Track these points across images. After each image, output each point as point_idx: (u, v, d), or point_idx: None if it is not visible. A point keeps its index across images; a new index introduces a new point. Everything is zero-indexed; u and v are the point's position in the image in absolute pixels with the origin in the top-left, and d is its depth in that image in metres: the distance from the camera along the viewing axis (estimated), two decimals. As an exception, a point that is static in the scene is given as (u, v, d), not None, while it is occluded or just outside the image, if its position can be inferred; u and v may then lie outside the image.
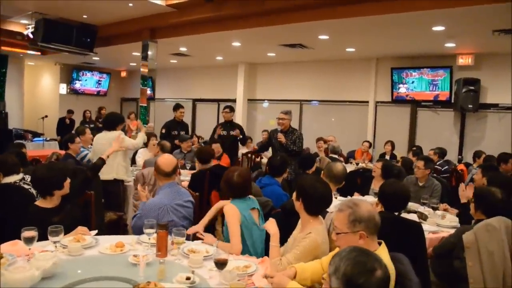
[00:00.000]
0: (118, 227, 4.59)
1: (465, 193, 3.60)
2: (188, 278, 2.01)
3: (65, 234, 2.52)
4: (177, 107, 7.34)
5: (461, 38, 6.90)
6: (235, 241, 2.58)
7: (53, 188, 2.73)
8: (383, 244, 1.91)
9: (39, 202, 2.77)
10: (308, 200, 2.40)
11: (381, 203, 2.90)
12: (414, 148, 7.57)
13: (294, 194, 2.49)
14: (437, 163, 6.69)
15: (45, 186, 2.74)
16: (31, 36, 8.65)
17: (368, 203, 1.97)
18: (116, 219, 4.58)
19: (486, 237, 2.63)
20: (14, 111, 12.35)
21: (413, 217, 3.36)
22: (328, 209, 2.67)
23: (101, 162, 3.64)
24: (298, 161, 5.10)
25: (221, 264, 2.04)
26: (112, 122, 4.81)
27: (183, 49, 9.67)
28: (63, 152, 5.25)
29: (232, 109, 7.22)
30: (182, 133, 7.17)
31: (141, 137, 5.03)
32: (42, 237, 2.30)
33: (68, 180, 2.81)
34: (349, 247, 1.52)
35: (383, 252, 1.87)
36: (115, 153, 4.23)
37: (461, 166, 6.68)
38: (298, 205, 2.44)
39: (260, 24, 6.80)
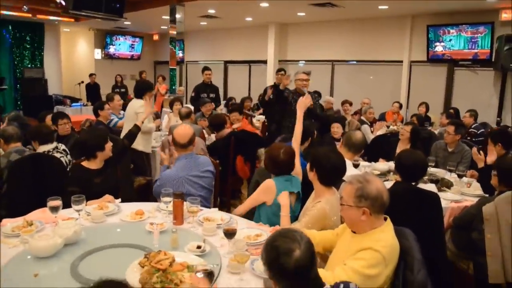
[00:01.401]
0: (147, 191, 4.79)
1: (481, 157, 3.48)
2: (199, 247, 2.09)
3: (103, 194, 2.81)
4: (204, 69, 7.36)
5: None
6: (242, 208, 2.73)
7: (95, 150, 2.95)
8: (388, 220, 1.90)
9: (84, 163, 3.00)
10: (322, 170, 2.41)
11: (398, 173, 2.86)
12: (451, 111, 7.28)
13: (308, 164, 2.50)
14: (472, 126, 6.42)
15: (88, 148, 2.97)
16: (63, 3, 8.78)
17: (380, 181, 1.93)
18: (145, 184, 4.77)
19: (506, 209, 2.56)
20: (53, 78, 12.79)
21: (432, 187, 3.28)
22: (344, 178, 2.66)
23: (136, 129, 3.79)
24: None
25: (230, 234, 2.10)
26: (139, 90, 4.87)
27: (211, 11, 9.55)
28: (95, 118, 5.43)
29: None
30: (212, 95, 7.20)
31: (151, 125, 4.89)
32: (83, 194, 2.42)
33: (110, 143, 3.01)
34: (275, 232, 1.57)
35: (387, 228, 1.87)
36: (132, 123, 4.30)
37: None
38: (312, 175, 2.47)
39: (286, -17, 6.58)
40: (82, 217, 2.50)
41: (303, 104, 3.22)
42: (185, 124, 3.48)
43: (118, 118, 5.50)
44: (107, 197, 2.85)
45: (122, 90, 10.96)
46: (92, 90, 11.28)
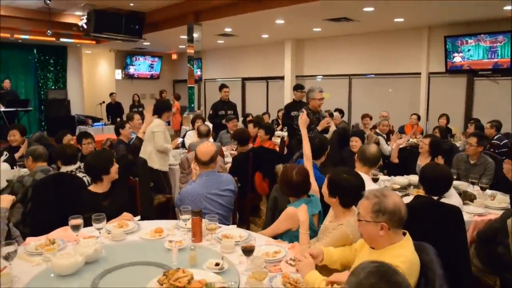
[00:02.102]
0: (167, 209, 4.82)
1: None
2: (217, 264, 2.10)
3: (113, 217, 2.78)
4: (222, 87, 7.42)
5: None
6: (269, 232, 2.68)
7: (101, 173, 2.97)
8: (408, 235, 1.87)
9: (92, 187, 3.03)
10: (344, 195, 2.36)
11: (422, 186, 2.81)
12: (472, 121, 7.14)
13: (327, 191, 2.43)
14: (495, 137, 6.28)
15: (94, 171, 2.99)
16: (85, 26, 9.09)
17: (397, 195, 1.91)
18: (165, 201, 4.82)
19: (532, 221, 2.49)
20: (75, 98, 13.18)
21: (456, 201, 3.20)
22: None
23: (138, 141, 3.84)
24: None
25: (248, 251, 2.10)
26: (157, 109, 4.95)
27: (228, 30, 9.72)
28: (116, 137, 5.54)
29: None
30: (230, 112, 7.27)
31: (167, 146, 4.94)
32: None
33: (115, 166, 3.02)
34: (368, 266, 1.34)
35: (406, 244, 1.83)
36: (147, 142, 4.35)
37: (521, 140, 6.22)
38: (334, 201, 2.40)
39: (301, 0, 6.65)
40: (102, 235, 2.53)
41: (303, 122, 3.31)
42: (207, 142, 3.49)
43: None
44: (126, 215, 2.88)
45: (140, 109, 11.16)
46: (114, 109, 11.52)
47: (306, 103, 6.54)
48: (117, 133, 5.31)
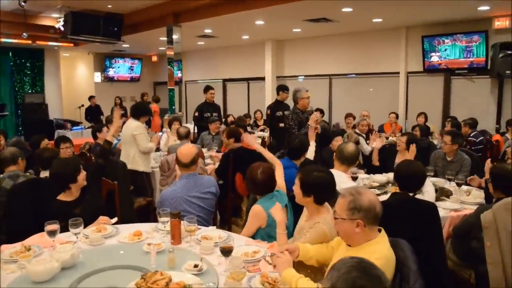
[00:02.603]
0: (148, 212, 4.78)
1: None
2: (196, 266, 2.09)
3: (87, 224, 2.69)
4: (207, 88, 7.36)
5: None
6: (244, 233, 2.72)
7: (68, 182, 2.87)
8: (383, 231, 1.90)
9: (60, 196, 2.93)
10: (319, 193, 2.38)
11: (397, 183, 2.86)
12: (449, 119, 7.28)
13: (300, 191, 2.43)
14: (471, 135, 6.43)
15: (61, 181, 2.89)
16: (62, 29, 8.94)
17: (372, 192, 1.94)
18: (145, 204, 4.77)
19: (505, 216, 2.54)
20: (53, 102, 12.94)
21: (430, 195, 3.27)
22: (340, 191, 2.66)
23: (107, 144, 3.79)
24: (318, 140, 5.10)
25: (226, 252, 2.10)
26: (136, 111, 4.92)
27: (208, 31, 9.70)
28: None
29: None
30: (215, 114, 7.24)
31: (150, 145, 4.91)
32: (66, 229, 2.45)
33: (83, 173, 2.93)
34: (349, 261, 1.38)
35: (382, 240, 1.86)
36: (128, 145, 4.30)
37: (496, 137, 6.38)
38: (308, 200, 2.41)
39: (280, 1, 6.68)
40: (80, 240, 2.50)
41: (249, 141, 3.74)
42: (188, 144, 3.48)
43: (118, 140, 5.53)
44: (102, 218, 2.82)
45: (122, 112, 11.02)
46: (94, 112, 11.36)
47: (286, 104, 6.61)
48: (94, 136, 5.24)
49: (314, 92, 10.16)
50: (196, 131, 7.50)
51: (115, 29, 9.02)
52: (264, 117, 9.41)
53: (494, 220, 2.56)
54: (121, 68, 14.41)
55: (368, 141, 6.10)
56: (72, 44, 11.53)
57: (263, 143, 6.65)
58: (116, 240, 2.59)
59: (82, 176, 2.91)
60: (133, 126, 4.68)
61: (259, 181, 2.77)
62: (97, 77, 13.99)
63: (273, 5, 6.83)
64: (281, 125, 6.14)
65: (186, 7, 7.97)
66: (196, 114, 7.29)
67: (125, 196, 3.89)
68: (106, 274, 2.11)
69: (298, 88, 5.51)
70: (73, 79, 14.46)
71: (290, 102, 6.75)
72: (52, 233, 2.35)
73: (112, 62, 14.10)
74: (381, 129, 7.99)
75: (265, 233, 2.69)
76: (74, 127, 10.63)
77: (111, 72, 14.15)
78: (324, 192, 2.39)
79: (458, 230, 2.91)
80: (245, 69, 12.21)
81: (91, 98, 11.65)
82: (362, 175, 4.24)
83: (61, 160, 3.29)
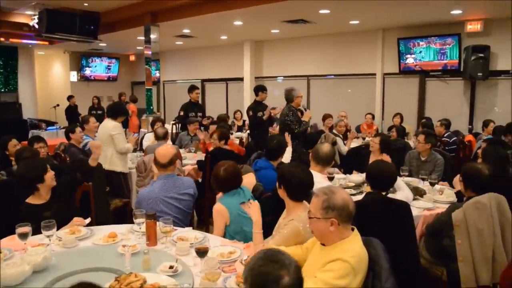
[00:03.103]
0: (125, 214, 4.72)
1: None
2: (171, 267, 2.08)
3: (59, 227, 2.62)
4: (192, 88, 7.23)
5: (469, 3, 6.66)
6: (216, 233, 2.72)
7: (35, 182, 2.79)
8: (356, 230, 1.93)
9: (29, 199, 2.84)
10: (289, 186, 2.42)
11: (368, 183, 2.91)
12: (424, 120, 7.45)
13: (277, 183, 2.51)
14: (445, 135, 6.58)
15: (27, 181, 2.80)
16: (36, 27, 8.73)
17: (346, 191, 1.98)
18: (122, 206, 4.71)
19: (475, 214, 2.62)
20: (27, 102, 12.62)
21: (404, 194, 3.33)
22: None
23: (90, 167, 3.66)
24: (303, 140, 5.14)
25: (201, 253, 2.10)
26: (113, 111, 4.86)
27: (186, 31, 9.64)
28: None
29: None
30: (199, 114, 7.19)
31: (127, 146, 4.84)
32: (36, 232, 2.40)
33: (51, 173, 2.84)
34: (258, 253, 1.48)
35: (355, 239, 1.90)
36: (106, 146, 4.22)
37: (469, 137, 6.55)
38: (281, 192, 2.47)
39: (258, 2, 6.70)
40: (53, 242, 2.46)
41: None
42: (167, 144, 3.45)
43: (89, 139, 5.43)
44: (76, 220, 2.77)
45: (99, 112, 10.86)
46: (74, 112, 11.16)
47: (265, 105, 6.64)
48: (68, 137, 5.14)
49: (292, 93, 10.24)
50: (180, 131, 7.45)
51: (92, 27, 8.87)
52: (244, 117, 9.41)
53: (465, 218, 2.64)
54: (98, 68, 14.17)
55: (345, 142, 6.18)
56: (47, 42, 11.27)
57: (241, 143, 6.65)
58: (90, 242, 2.55)
59: (50, 175, 2.83)
60: (111, 126, 4.61)
61: (221, 178, 2.80)
62: (73, 76, 13.72)
63: (251, 6, 6.84)
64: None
65: (164, 6, 7.91)
66: (181, 113, 7.23)
67: (100, 197, 3.82)
68: (79, 277, 2.08)
69: (291, 87, 5.71)
70: (48, 78, 14.14)
71: (267, 102, 6.82)
72: (23, 236, 2.30)
73: (88, 61, 13.86)
74: (357, 130, 8.10)
75: (232, 230, 2.70)
76: (49, 127, 10.39)
77: (87, 72, 13.90)
78: (296, 186, 2.41)
79: (431, 228, 2.97)
80: (224, 70, 12.19)
81: (70, 98, 11.43)
82: (338, 175, 4.29)
83: (27, 161, 3.18)
